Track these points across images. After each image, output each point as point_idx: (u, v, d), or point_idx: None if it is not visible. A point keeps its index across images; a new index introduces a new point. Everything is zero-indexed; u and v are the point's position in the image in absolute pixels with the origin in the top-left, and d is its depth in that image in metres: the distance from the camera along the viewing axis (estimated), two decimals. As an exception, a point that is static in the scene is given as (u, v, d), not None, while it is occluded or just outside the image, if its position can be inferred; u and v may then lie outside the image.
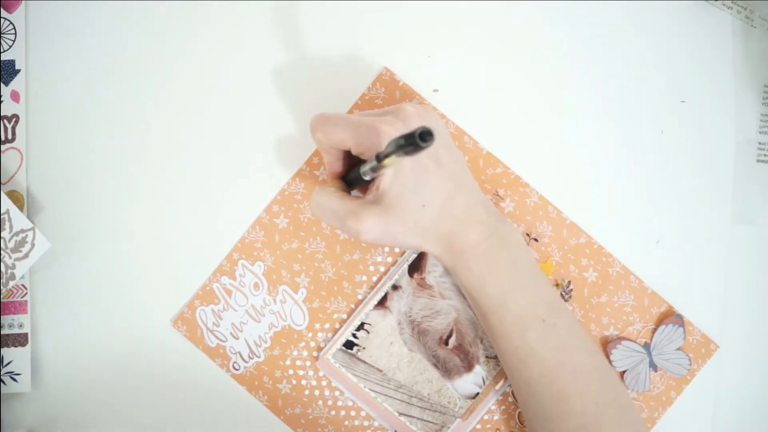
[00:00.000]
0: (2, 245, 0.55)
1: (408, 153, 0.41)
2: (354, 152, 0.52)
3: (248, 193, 0.58)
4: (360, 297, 0.58)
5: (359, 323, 0.57)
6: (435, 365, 0.58)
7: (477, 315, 0.55)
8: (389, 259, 0.58)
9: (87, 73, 0.58)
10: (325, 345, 0.58)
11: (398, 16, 0.59)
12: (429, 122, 0.51)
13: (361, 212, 0.50)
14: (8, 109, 0.57)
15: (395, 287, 0.58)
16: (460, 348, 0.58)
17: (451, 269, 0.53)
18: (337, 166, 0.54)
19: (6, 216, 0.55)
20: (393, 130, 0.49)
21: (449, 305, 0.58)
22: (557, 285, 0.58)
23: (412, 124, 0.50)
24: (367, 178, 0.50)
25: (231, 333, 0.58)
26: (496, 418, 0.58)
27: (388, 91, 0.58)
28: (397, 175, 0.49)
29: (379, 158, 0.44)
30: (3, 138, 0.57)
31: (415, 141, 0.39)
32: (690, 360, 0.58)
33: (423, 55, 0.59)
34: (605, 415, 0.52)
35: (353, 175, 0.52)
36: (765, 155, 0.60)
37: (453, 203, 0.51)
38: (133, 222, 0.58)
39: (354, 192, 0.55)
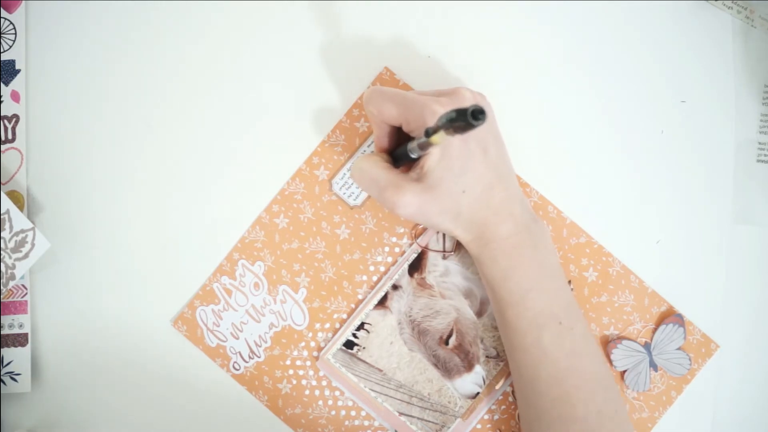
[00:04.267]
0: (2, 245, 0.55)
1: (457, 130, 0.40)
2: (404, 129, 0.52)
3: (248, 193, 0.58)
4: (360, 297, 0.58)
5: (359, 323, 0.57)
6: (435, 365, 0.58)
7: (494, 308, 0.55)
8: (389, 259, 0.58)
9: (87, 73, 0.58)
10: (326, 345, 0.58)
11: (398, 16, 0.59)
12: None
13: (401, 186, 0.50)
14: (8, 109, 0.57)
15: (395, 287, 0.58)
16: (460, 348, 0.58)
17: (477, 258, 0.53)
18: (385, 141, 0.54)
19: (6, 216, 0.55)
20: (445, 111, 0.49)
21: (449, 305, 0.58)
22: (557, 285, 0.58)
23: None
24: (413, 155, 0.50)
25: (231, 333, 0.58)
26: (496, 417, 0.58)
27: (389, 91, 0.58)
28: (443, 157, 0.50)
29: (428, 133, 0.44)
30: (3, 138, 0.57)
31: (467, 117, 0.39)
32: (690, 360, 0.58)
33: (423, 55, 0.59)
34: (605, 425, 0.52)
35: (400, 152, 0.52)
36: (765, 155, 0.60)
37: (492, 193, 0.51)
38: (133, 222, 0.58)
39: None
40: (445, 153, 0.50)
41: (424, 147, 0.48)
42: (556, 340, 0.52)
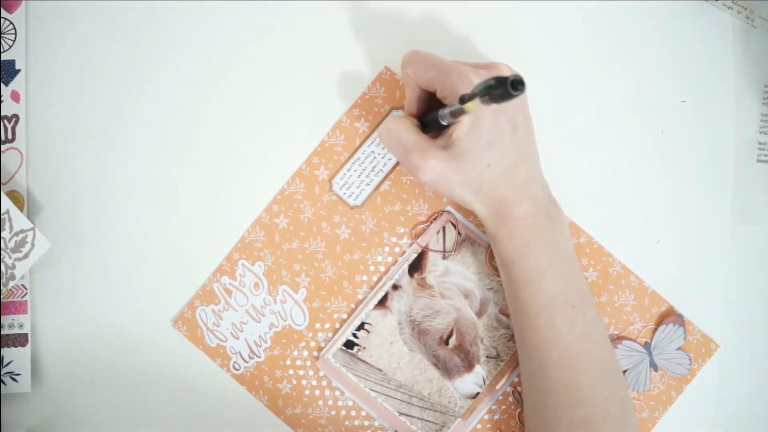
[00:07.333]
0: (2, 245, 0.55)
1: (494, 99, 0.40)
2: (438, 95, 0.52)
3: (248, 193, 0.58)
4: (360, 297, 0.58)
5: (359, 323, 0.57)
6: (435, 365, 0.58)
7: (507, 290, 0.55)
8: (389, 259, 0.58)
9: (87, 73, 0.58)
10: (326, 345, 0.58)
11: (398, 16, 0.59)
12: None
13: (427, 151, 0.50)
14: (8, 109, 0.57)
15: (395, 287, 0.58)
16: (460, 348, 0.58)
17: (493, 235, 0.53)
18: (416, 106, 0.54)
19: (6, 216, 0.55)
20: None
21: (449, 305, 0.58)
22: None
23: None
24: (444, 122, 0.50)
25: (231, 333, 0.58)
26: (496, 417, 0.58)
27: (388, 91, 0.58)
28: (473, 129, 0.50)
29: (464, 100, 0.44)
30: (3, 138, 0.57)
31: (506, 86, 0.39)
32: (690, 359, 0.58)
33: (423, 55, 0.59)
34: (611, 412, 0.52)
35: (430, 118, 0.52)
36: (765, 155, 0.60)
37: (515, 172, 0.51)
38: (133, 222, 0.58)
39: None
40: (475, 125, 0.50)
41: (456, 115, 0.48)
42: (568, 323, 0.52)
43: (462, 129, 0.50)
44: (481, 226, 0.58)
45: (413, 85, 0.53)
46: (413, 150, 0.51)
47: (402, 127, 0.52)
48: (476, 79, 0.49)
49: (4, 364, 0.57)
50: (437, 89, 0.52)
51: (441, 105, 0.52)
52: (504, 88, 0.39)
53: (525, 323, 0.53)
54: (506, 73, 0.51)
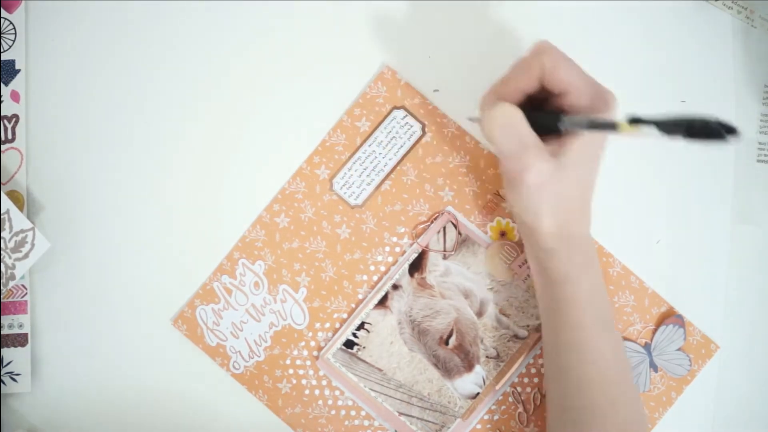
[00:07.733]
0: (2, 245, 0.55)
1: (678, 134, 0.39)
2: (574, 101, 0.49)
3: (249, 192, 0.58)
4: (360, 296, 0.58)
5: (359, 323, 0.57)
6: (435, 365, 0.58)
7: (552, 307, 0.53)
8: (390, 259, 0.58)
9: (87, 73, 0.58)
10: (326, 344, 0.58)
11: (398, 16, 0.59)
12: None
13: (543, 153, 0.47)
14: (8, 109, 0.57)
15: (396, 287, 0.58)
16: (460, 348, 0.58)
17: (550, 251, 0.50)
18: (521, 97, 0.50)
19: (6, 216, 0.55)
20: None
21: (449, 305, 0.58)
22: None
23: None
24: (562, 127, 0.48)
25: (231, 332, 0.58)
26: (496, 418, 0.58)
27: (390, 90, 0.58)
28: (588, 145, 0.48)
29: (634, 120, 0.42)
30: (3, 138, 0.57)
31: (721, 131, 0.38)
32: (690, 360, 0.58)
33: (423, 55, 0.59)
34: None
35: (540, 117, 0.49)
36: (765, 155, 0.60)
37: (590, 196, 0.51)
38: (133, 222, 0.58)
39: None
40: (589, 143, 0.48)
41: (596, 127, 0.46)
42: (613, 343, 0.52)
43: (578, 143, 0.47)
44: (483, 227, 0.58)
45: (536, 77, 0.49)
46: (531, 147, 0.47)
47: (520, 119, 0.48)
48: (612, 102, 0.48)
49: (4, 364, 0.57)
50: (576, 94, 0.48)
51: (532, 106, 0.50)
52: (719, 134, 0.38)
53: (570, 339, 0.52)
54: (612, 102, 0.48)
